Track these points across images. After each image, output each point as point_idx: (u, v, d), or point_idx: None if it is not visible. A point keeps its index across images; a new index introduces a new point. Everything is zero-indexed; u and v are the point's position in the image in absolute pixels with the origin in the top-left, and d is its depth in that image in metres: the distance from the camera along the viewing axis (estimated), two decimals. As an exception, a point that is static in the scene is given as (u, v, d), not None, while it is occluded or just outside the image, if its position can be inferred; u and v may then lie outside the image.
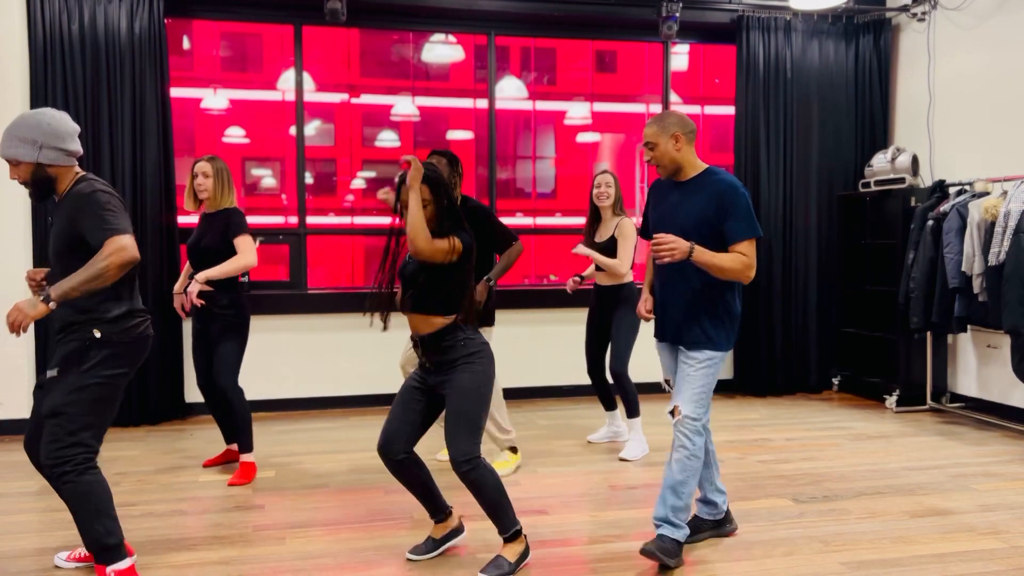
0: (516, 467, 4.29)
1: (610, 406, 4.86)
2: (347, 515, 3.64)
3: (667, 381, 3.26)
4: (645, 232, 3.30)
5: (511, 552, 2.99)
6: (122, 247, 2.66)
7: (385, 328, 3.02)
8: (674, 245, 2.85)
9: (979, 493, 3.93)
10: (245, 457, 4.17)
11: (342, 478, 4.21)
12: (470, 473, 2.88)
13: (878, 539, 3.33)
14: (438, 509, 3.16)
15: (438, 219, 2.89)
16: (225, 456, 4.47)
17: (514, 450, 4.32)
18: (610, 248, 4.56)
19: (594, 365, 4.77)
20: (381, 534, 3.39)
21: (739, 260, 2.95)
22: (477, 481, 2.89)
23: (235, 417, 4.10)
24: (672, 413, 3.08)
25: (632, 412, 4.59)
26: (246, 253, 4.04)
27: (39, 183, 2.81)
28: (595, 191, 4.63)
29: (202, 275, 3.95)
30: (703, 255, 2.90)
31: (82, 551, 3.06)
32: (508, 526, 2.99)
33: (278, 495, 3.93)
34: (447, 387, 2.92)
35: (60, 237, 2.78)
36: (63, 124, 2.81)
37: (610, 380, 4.68)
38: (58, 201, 2.84)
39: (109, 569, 2.73)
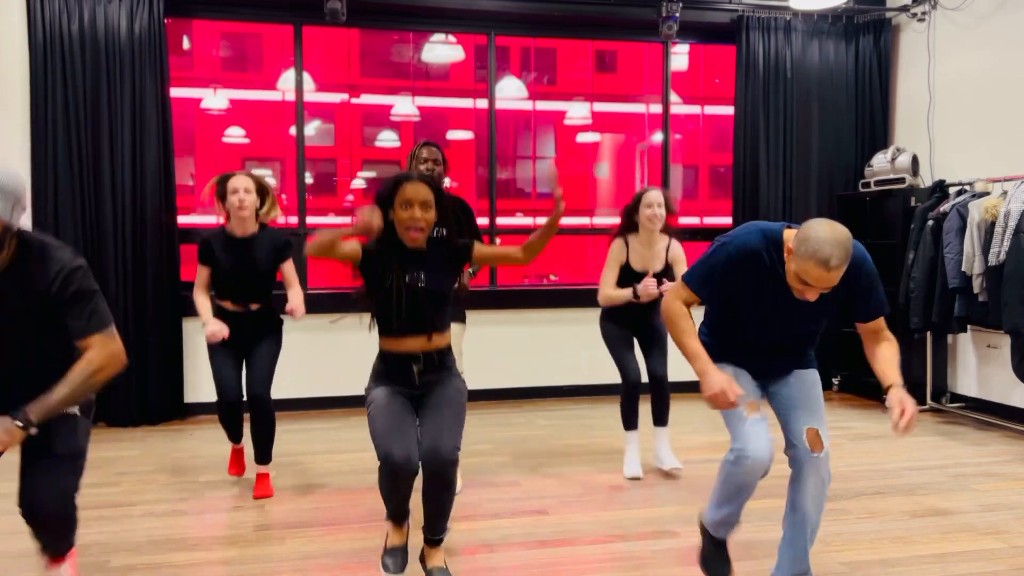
0: None
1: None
2: (347, 515, 3.64)
3: (751, 405, 2.54)
4: (702, 292, 2.56)
5: (442, 557, 2.83)
6: (116, 354, 2.33)
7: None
8: (914, 414, 2.33)
9: (979, 493, 3.93)
10: (265, 469, 3.95)
11: (342, 478, 4.21)
12: (454, 468, 2.65)
13: (878, 539, 3.33)
14: (407, 512, 2.86)
15: (438, 224, 2.71)
16: (242, 459, 4.20)
17: None
18: (666, 278, 4.07)
19: (651, 371, 4.18)
20: (381, 534, 3.38)
21: (897, 350, 2.53)
22: (454, 479, 2.71)
23: (271, 427, 3.87)
24: (801, 443, 2.53)
25: (667, 420, 4.26)
26: (297, 282, 3.92)
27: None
28: (645, 211, 4.01)
29: (300, 311, 3.76)
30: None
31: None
32: (445, 527, 2.81)
33: (278, 495, 3.92)
34: (436, 388, 2.73)
35: (18, 316, 2.27)
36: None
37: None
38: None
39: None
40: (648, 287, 3.98)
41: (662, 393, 4.17)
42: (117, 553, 3.19)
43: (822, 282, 2.28)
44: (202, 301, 3.81)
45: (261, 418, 3.82)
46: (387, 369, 2.74)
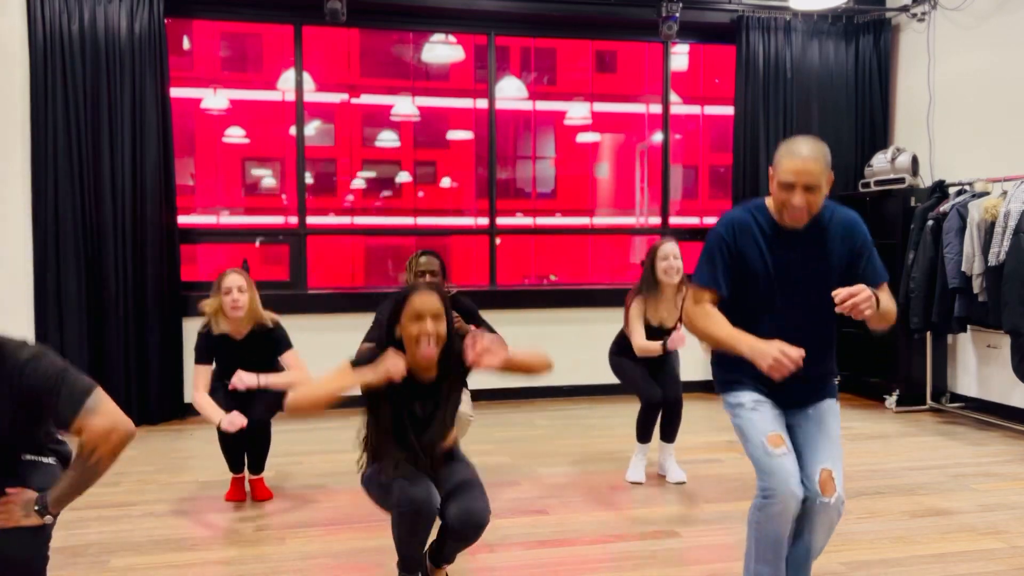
0: None
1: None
2: (347, 515, 3.64)
3: (775, 437, 2.42)
4: (725, 283, 2.48)
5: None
6: (108, 429, 2.04)
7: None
8: (867, 295, 2.24)
9: (979, 493, 3.93)
10: (260, 475, 3.92)
11: (342, 478, 4.20)
12: (484, 530, 2.61)
13: (878, 539, 3.33)
14: (423, 563, 2.76)
15: (449, 335, 2.59)
16: (240, 487, 3.94)
17: None
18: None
19: (659, 392, 4.15)
20: (381, 534, 3.38)
21: (893, 303, 2.46)
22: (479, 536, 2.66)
23: (267, 444, 3.85)
24: (813, 485, 2.43)
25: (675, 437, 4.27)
26: (302, 366, 3.78)
27: None
28: (661, 264, 3.97)
29: (262, 380, 3.66)
30: (878, 301, 2.34)
31: None
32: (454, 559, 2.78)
33: (278, 495, 3.92)
34: (451, 464, 2.71)
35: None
36: None
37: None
38: None
39: None
40: (676, 342, 3.97)
41: (676, 412, 4.17)
42: (117, 553, 3.20)
43: (799, 175, 2.31)
44: (205, 400, 3.70)
45: (260, 439, 3.80)
46: (396, 467, 2.59)
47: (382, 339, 2.67)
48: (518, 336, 6.22)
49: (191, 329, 5.57)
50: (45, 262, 5.16)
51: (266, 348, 3.80)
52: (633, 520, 3.57)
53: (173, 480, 4.18)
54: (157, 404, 5.43)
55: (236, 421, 3.58)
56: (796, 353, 2.20)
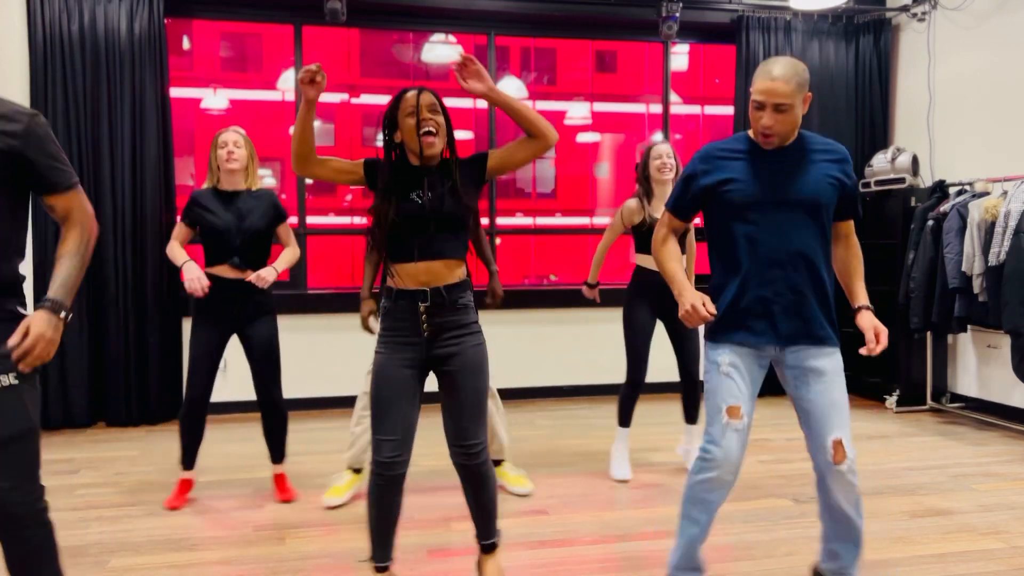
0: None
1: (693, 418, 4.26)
2: (347, 515, 3.64)
3: (734, 409, 2.46)
4: (682, 211, 2.60)
5: (497, 568, 2.67)
6: (93, 216, 2.11)
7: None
8: (885, 340, 2.44)
9: (979, 493, 3.93)
10: (282, 468, 3.88)
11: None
12: (487, 463, 2.49)
13: (878, 539, 3.33)
14: (390, 550, 2.60)
15: (449, 135, 2.54)
16: (185, 491, 3.81)
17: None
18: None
19: (684, 368, 4.15)
20: (381, 534, 3.39)
21: (860, 256, 2.63)
22: (490, 472, 2.51)
23: (284, 425, 3.79)
24: (824, 453, 2.45)
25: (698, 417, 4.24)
26: (294, 242, 3.73)
27: None
28: (654, 163, 4.01)
29: (271, 271, 3.54)
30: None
31: None
32: (495, 530, 2.65)
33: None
34: (455, 363, 2.48)
35: None
36: None
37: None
38: None
39: None
40: (590, 294, 4.26)
41: (694, 391, 4.17)
42: (117, 553, 3.19)
43: (768, 94, 2.34)
44: (176, 247, 3.63)
45: (280, 421, 3.79)
46: (393, 310, 2.50)
47: (384, 143, 2.53)
48: (518, 336, 6.25)
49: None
50: (45, 262, 5.16)
51: (265, 209, 3.65)
52: (633, 520, 3.57)
53: (173, 480, 4.17)
54: (157, 404, 5.43)
55: (197, 281, 3.43)
56: (710, 309, 2.38)
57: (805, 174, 2.45)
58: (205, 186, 3.73)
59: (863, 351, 2.38)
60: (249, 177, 3.69)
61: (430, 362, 2.52)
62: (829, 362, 2.51)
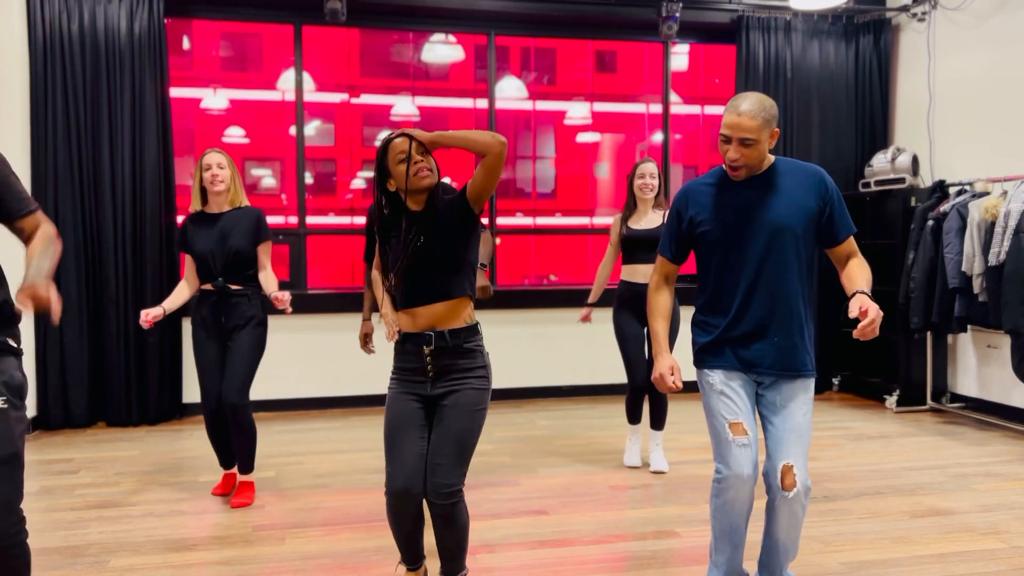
0: None
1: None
2: (347, 515, 3.64)
3: (737, 426, 2.48)
4: (671, 254, 2.66)
5: None
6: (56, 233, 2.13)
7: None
8: (876, 318, 2.29)
9: (979, 493, 3.93)
10: (247, 477, 3.86)
11: (342, 478, 4.21)
12: (455, 507, 2.47)
13: (878, 539, 3.33)
14: (418, 552, 2.66)
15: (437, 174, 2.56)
16: (230, 484, 3.98)
17: None
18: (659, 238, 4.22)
19: (648, 377, 4.18)
20: (381, 534, 3.38)
21: (868, 269, 2.51)
22: (457, 516, 2.49)
23: (250, 435, 3.75)
24: (775, 478, 2.46)
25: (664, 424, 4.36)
26: (270, 267, 3.77)
27: None
28: (637, 182, 4.22)
29: (283, 295, 3.54)
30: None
31: None
32: (462, 566, 2.62)
33: (278, 495, 3.92)
34: (450, 400, 2.50)
35: None
36: None
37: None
38: None
39: None
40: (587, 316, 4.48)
41: (662, 400, 4.29)
42: (117, 553, 3.19)
43: (733, 129, 2.39)
44: (178, 289, 3.81)
45: (238, 427, 3.71)
46: (402, 351, 2.57)
47: (376, 195, 2.56)
48: (518, 336, 6.25)
49: (191, 329, 5.58)
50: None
51: (247, 227, 3.71)
52: (633, 520, 3.57)
53: (173, 480, 4.18)
54: (157, 404, 5.43)
55: (146, 316, 3.55)
56: (677, 382, 2.51)
57: (774, 203, 2.48)
58: (191, 209, 3.82)
59: (856, 334, 2.31)
60: (234, 195, 3.78)
61: (433, 399, 2.57)
62: (799, 390, 2.53)
